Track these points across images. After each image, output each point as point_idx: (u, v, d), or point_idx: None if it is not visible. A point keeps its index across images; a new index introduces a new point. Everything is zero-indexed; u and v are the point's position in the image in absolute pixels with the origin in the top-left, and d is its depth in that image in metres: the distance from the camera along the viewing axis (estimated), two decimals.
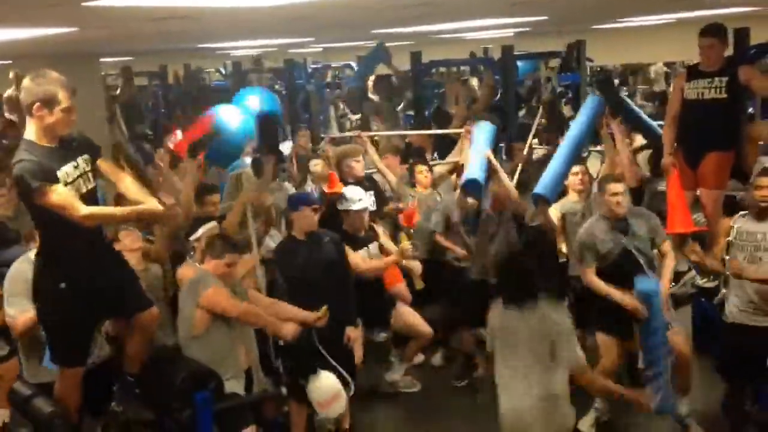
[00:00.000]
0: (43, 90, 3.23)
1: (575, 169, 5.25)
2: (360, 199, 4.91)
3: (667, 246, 4.48)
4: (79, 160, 3.40)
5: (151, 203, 3.48)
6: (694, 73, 4.99)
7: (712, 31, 4.85)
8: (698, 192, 5.09)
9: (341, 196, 4.95)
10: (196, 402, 3.53)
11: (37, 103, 3.22)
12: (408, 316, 5.10)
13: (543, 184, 5.17)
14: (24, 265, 3.82)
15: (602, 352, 4.40)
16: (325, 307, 4.08)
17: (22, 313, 3.75)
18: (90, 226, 3.38)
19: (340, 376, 4.22)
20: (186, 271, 4.24)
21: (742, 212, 4.30)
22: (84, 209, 3.26)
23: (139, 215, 3.55)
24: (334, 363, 4.21)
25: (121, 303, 3.63)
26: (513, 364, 3.47)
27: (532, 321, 3.45)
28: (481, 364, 5.38)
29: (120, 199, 4.40)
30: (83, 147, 3.46)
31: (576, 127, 5.49)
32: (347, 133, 6.17)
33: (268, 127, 5.31)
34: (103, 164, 3.59)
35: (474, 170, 5.44)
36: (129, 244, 4.14)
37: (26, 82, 3.28)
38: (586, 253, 4.39)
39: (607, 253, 4.36)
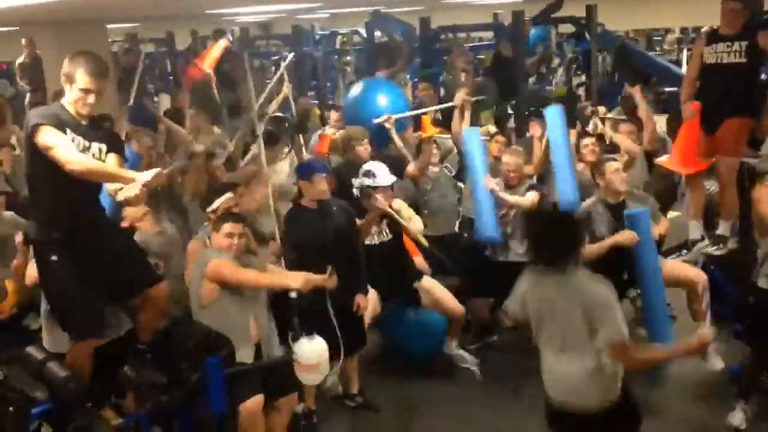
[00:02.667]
0: (67, 66, 3.47)
1: (586, 141, 5.31)
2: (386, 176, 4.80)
3: (661, 224, 4.68)
4: (94, 144, 3.53)
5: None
6: (713, 37, 4.90)
7: None
8: (714, 158, 5.04)
9: (369, 172, 4.78)
10: (207, 367, 3.56)
11: (64, 77, 3.48)
12: (436, 292, 5.00)
13: (564, 200, 5.01)
14: None
15: None
16: (330, 267, 4.07)
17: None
18: (90, 203, 3.52)
19: (335, 345, 4.13)
20: (195, 245, 4.25)
21: None
22: (77, 156, 3.35)
23: (126, 180, 3.47)
24: (335, 325, 4.15)
25: (130, 282, 3.69)
26: (550, 334, 3.18)
27: (567, 289, 3.11)
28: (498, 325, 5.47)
29: None
30: (105, 137, 3.61)
31: (556, 150, 5.24)
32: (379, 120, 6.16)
33: None
34: (113, 159, 3.62)
35: (486, 226, 5.11)
36: (133, 214, 4.24)
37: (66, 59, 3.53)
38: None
39: (602, 238, 4.45)
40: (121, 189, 3.48)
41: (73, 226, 3.50)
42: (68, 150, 3.34)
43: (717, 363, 4.59)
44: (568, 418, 3.16)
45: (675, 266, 4.97)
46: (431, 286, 5.03)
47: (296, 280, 3.90)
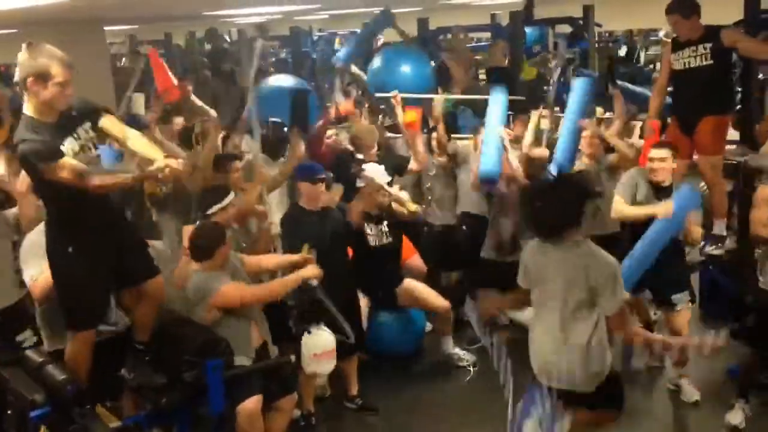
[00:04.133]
0: (36, 64, 3.23)
1: (585, 132, 5.28)
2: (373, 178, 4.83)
3: (694, 230, 4.43)
4: (80, 130, 3.43)
5: (157, 158, 3.47)
6: (678, 43, 4.99)
7: (672, 8, 4.87)
8: (696, 159, 5.07)
9: (361, 173, 4.86)
10: (206, 369, 3.57)
11: (31, 78, 3.23)
12: (417, 290, 5.00)
13: (557, 163, 5.24)
14: (40, 237, 3.83)
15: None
16: (307, 245, 4.13)
17: (41, 273, 3.73)
18: (96, 195, 3.44)
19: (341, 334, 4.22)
20: (194, 265, 4.07)
21: None
22: (95, 179, 3.32)
23: (144, 178, 3.66)
24: (334, 311, 4.13)
25: (131, 270, 3.67)
26: (547, 305, 3.17)
27: (572, 259, 3.08)
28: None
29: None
30: (82, 115, 3.47)
31: (571, 111, 5.45)
32: (385, 94, 6.19)
33: (301, 104, 5.41)
34: (107, 123, 3.56)
35: (489, 161, 5.30)
36: None
37: (21, 57, 3.27)
38: (624, 190, 4.47)
39: (638, 202, 4.42)
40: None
41: (85, 227, 3.48)
42: (89, 176, 3.30)
43: (693, 394, 4.55)
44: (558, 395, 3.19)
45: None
46: (412, 286, 5.01)
47: (310, 271, 4.00)
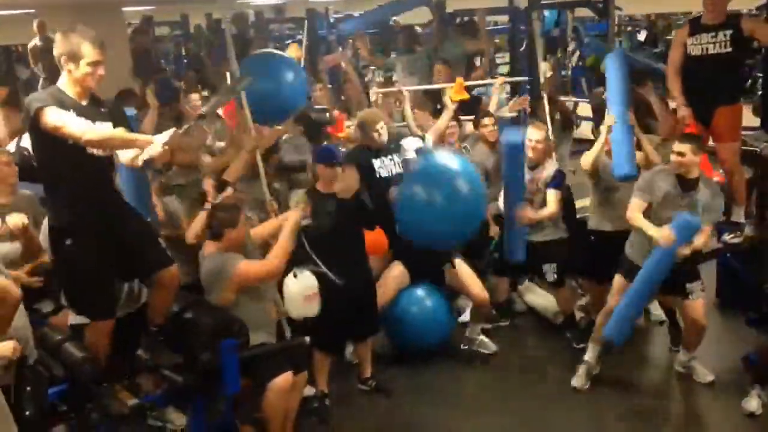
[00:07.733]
0: (68, 43, 3.35)
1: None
2: (407, 150, 4.89)
3: (705, 230, 4.22)
4: (98, 124, 3.44)
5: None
6: (696, 27, 4.88)
7: None
8: (715, 147, 5.01)
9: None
10: (222, 350, 3.59)
11: (64, 56, 3.35)
12: (463, 275, 4.98)
13: (619, 164, 4.65)
14: None
15: (613, 292, 4.43)
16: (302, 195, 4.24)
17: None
18: (102, 184, 3.51)
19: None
20: (209, 247, 4.12)
21: None
22: (90, 126, 3.30)
23: (143, 144, 3.42)
24: (321, 265, 4.24)
25: (140, 260, 3.69)
26: None
27: None
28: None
29: None
30: (108, 115, 3.52)
31: (612, 96, 4.84)
32: (391, 89, 6.22)
33: None
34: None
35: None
36: None
37: (57, 36, 3.39)
38: (641, 193, 4.30)
39: (657, 199, 4.25)
40: (137, 156, 3.44)
41: (86, 209, 3.49)
42: (79, 123, 3.28)
43: (706, 375, 4.57)
44: None
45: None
46: (460, 268, 4.99)
47: (295, 215, 4.12)
